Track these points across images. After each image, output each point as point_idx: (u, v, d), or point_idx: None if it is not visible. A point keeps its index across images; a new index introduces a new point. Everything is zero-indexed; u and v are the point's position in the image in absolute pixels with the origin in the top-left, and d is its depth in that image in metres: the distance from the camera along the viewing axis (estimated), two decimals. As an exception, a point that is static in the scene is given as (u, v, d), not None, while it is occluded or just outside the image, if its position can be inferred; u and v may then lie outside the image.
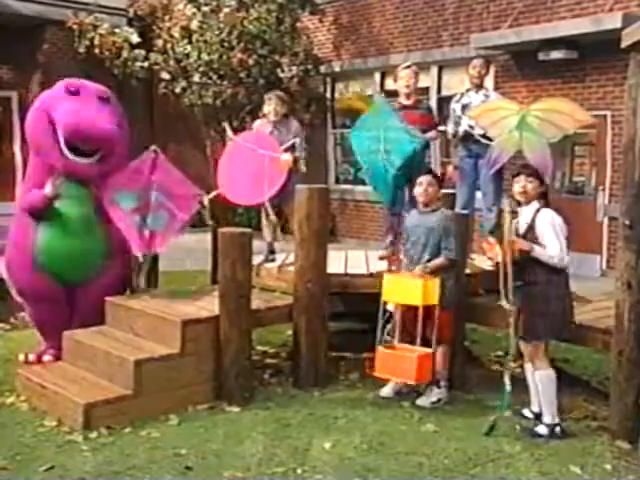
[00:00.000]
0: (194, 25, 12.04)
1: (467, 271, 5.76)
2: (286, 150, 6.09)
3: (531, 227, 4.72)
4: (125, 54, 12.65)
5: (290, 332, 5.94)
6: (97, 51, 12.80)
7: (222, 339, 5.22)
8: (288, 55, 12.40)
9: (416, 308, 5.02)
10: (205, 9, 12.03)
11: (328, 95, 13.54)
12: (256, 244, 5.56)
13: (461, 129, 6.49)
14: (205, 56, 11.96)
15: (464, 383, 5.57)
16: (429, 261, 5.19)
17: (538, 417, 4.83)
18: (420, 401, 5.25)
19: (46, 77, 12.18)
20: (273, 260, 6.44)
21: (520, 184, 4.77)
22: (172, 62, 12.32)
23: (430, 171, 5.59)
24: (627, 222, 4.51)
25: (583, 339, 5.07)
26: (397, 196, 6.19)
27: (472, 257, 6.40)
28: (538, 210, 4.74)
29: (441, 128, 6.73)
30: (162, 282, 6.46)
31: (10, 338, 6.78)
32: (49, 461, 4.29)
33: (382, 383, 5.40)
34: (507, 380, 4.79)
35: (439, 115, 7.27)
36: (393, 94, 7.12)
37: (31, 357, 5.85)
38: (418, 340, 5.08)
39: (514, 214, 4.76)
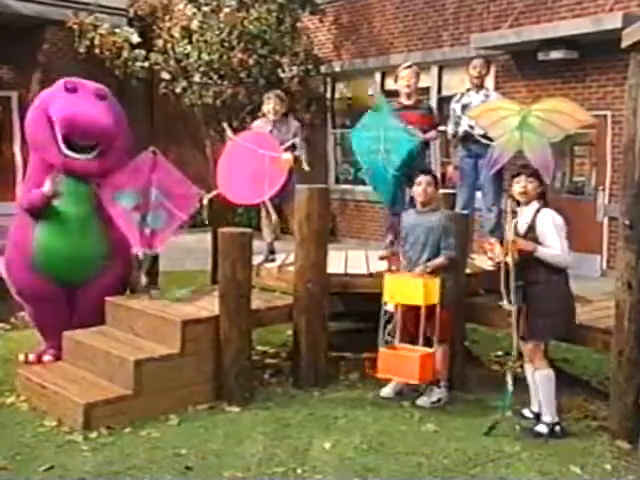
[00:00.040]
0: (194, 25, 12.04)
1: (467, 271, 5.76)
2: (286, 149, 6.09)
3: (531, 227, 4.72)
4: (125, 54, 12.65)
5: (290, 332, 5.95)
6: (97, 51, 12.80)
7: (222, 339, 5.22)
8: (288, 55, 12.41)
9: (416, 308, 5.02)
10: (205, 9, 12.03)
11: (328, 95, 13.55)
12: (256, 244, 5.56)
13: (461, 129, 6.49)
14: (205, 56, 11.96)
15: (464, 383, 5.57)
16: (428, 261, 5.19)
17: (538, 417, 4.83)
18: (420, 401, 5.25)
19: (46, 77, 12.15)
20: (273, 260, 6.44)
21: (520, 184, 4.77)
22: (172, 62, 12.32)
23: (429, 171, 5.60)
24: (627, 222, 4.51)
25: (583, 339, 5.07)
26: (397, 196, 6.19)
27: (472, 257, 6.40)
28: (538, 210, 4.75)
29: (441, 128, 6.73)
30: (162, 282, 6.46)
31: (10, 338, 6.78)
32: (49, 461, 4.29)
33: (382, 383, 5.39)
34: (509, 380, 4.79)
35: (439, 115, 7.27)
36: (393, 94, 7.12)
37: (31, 357, 5.85)
38: (420, 340, 5.09)
39: (514, 214, 4.77)
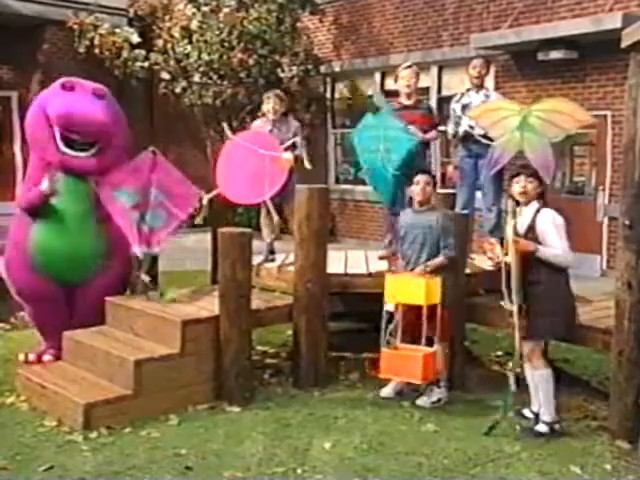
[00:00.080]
0: (194, 25, 12.04)
1: (467, 271, 5.76)
2: (287, 149, 6.09)
3: (531, 227, 4.72)
4: (125, 54, 12.65)
5: (290, 332, 5.94)
6: (97, 51, 12.79)
7: (222, 339, 5.22)
8: (288, 55, 12.40)
9: (417, 308, 5.02)
10: (205, 9, 12.02)
11: (328, 95, 13.55)
12: (256, 244, 5.56)
13: (461, 129, 6.49)
14: (205, 56, 11.96)
15: (464, 383, 5.57)
16: (427, 260, 5.19)
17: (538, 417, 4.82)
18: (420, 401, 5.25)
19: (46, 77, 12.15)
20: (273, 260, 6.44)
21: (520, 184, 4.77)
22: (172, 62, 12.32)
23: (427, 170, 5.60)
24: (627, 222, 4.51)
25: (583, 339, 5.07)
26: (397, 196, 6.19)
27: (472, 257, 6.40)
28: (538, 210, 4.74)
29: (441, 128, 6.73)
30: (162, 282, 6.46)
31: (10, 338, 6.78)
32: (49, 461, 4.29)
33: (382, 383, 5.39)
34: (512, 381, 4.78)
35: (439, 115, 7.27)
36: (393, 94, 7.12)
37: (31, 357, 5.85)
38: (423, 340, 5.08)
39: (514, 214, 4.76)
